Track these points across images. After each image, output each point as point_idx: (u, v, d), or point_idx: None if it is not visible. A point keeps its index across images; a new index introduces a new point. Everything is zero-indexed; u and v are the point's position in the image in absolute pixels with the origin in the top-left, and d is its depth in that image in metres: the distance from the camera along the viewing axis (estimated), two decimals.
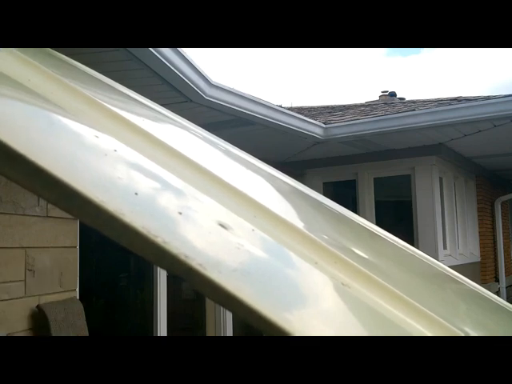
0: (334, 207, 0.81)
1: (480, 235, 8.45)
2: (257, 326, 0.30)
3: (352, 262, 0.49)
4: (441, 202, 6.87)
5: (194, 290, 0.31)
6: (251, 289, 0.32)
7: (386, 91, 9.65)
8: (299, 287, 0.40)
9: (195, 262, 0.30)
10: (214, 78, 4.16)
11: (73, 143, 0.33)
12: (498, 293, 8.37)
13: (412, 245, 0.82)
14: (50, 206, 3.32)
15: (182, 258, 0.30)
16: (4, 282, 2.93)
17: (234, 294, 0.30)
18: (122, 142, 0.42)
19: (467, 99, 5.93)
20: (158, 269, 4.83)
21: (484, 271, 8.39)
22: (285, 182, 0.77)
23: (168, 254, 0.30)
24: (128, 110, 0.53)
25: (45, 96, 0.49)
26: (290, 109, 6.70)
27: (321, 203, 0.79)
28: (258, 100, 4.87)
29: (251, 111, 4.79)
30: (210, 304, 5.57)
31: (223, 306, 0.31)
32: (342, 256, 0.49)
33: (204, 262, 0.30)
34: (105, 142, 0.39)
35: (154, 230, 0.30)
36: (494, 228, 8.92)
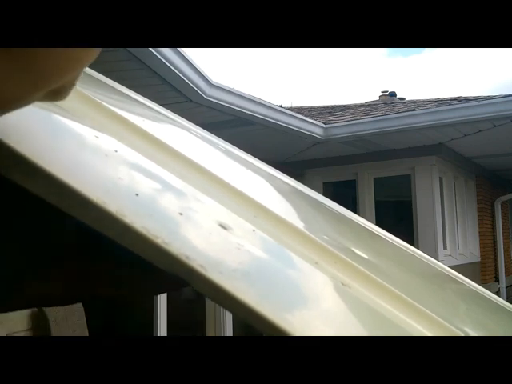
0: (334, 207, 0.81)
1: (480, 235, 8.44)
2: (257, 326, 0.30)
3: (352, 262, 0.49)
4: (441, 202, 6.87)
5: (195, 290, 0.31)
6: (251, 289, 0.32)
7: (386, 91, 9.65)
8: (299, 287, 0.40)
9: (196, 263, 0.30)
10: (214, 78, 4.16)
11: (73, 144, 0.33)
12: (498, 293, 8.36)
13: (412, 245, 0.82)
14: None
15: (183, 258, 0.30)
16: None
17: (235, 294, 0.30)
18: (123, 142, 0.42)
19: (467, 99, 5.93)
20: None
21: (484, 271, 8.38)
22: (285, 182, 0.77)
23: (168, 254, 0.30)
24: (128, 110, 0.53)
25: None
26: (290, 109, 6.70)
27: (321, 203, 0.79)
28: (258, 100, 4.87)
29: (251, 111, 4.79)
30: (210, 304, 5.57)
31: (224, 307, 0.31)
32: (342, 256, 0.49)
33: (205, 263, 0.30)
34: (105, 142, 0.39)
35: (155, 231, 0.30)
36: (494, 228, 8.91)
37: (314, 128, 5.80)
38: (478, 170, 8.18)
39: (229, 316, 5.59)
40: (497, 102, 5.42)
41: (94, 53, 0.26)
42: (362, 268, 0.49)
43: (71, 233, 0.53)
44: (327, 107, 8.62)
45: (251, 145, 4.60)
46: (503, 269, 8.70)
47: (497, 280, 8.68)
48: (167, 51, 3.37)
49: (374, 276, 0.49)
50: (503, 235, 8.97)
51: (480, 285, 0.83)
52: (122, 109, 0.47)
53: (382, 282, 0.48)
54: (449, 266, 0.84)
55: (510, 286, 9.16)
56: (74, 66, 0.26)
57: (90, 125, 0.41)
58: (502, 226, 8.97)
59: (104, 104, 0.51)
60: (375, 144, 6.36)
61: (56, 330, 2.96)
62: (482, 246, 8.38)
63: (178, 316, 5.39)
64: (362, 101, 9.90)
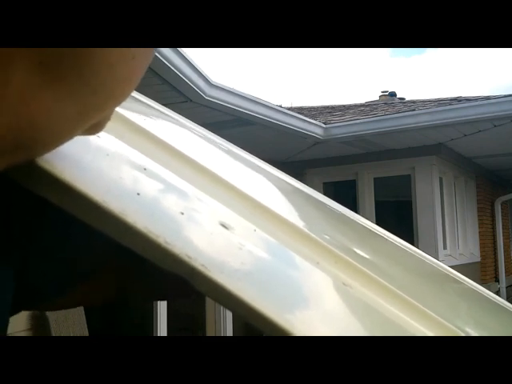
0: (335, 207, 0.81)
1: (480, 235, 8.44)
2: (258, 326, 0.30)
3: (353, 261, 0.49)
4: (441, 202, 6.87)
5: (197, 290, 0.30)
6: (253, 289, 0.32)
7: (386, 91, 9.65)
8: (301, 287, 0.40)
9: (197, 263, 0.30)
10: (214, 78, 4.17)
11: (74, 143, 0.33)
12: (498, 293, 8.37)
13: (412, 245, 0.82)
14: None
15: (185, 258, 0.30)
16: None
17: (236, 294, 0.30)
18: (124, 141, 0.42)
19: (467, 99, 5.94)
20: None
21: (484, 271, 8.38)
22: (286, 182, 0.77)
23: (170, 254, 0.30)
24: (129, 109, 0.53)
25: None
26: (290, 109, 6.70)
27: (322, 203, 0.79)
28: (258, 100, 4.87)
29: (251, 111, 4.79)
30: (210, 304, 5.57)
31: (225, 307, 0.31)
32: (344, 256, 0.49)
33: (206, 263, 0.30)
34: (106, 141, 0.39)
35: (156, 230, 0.30)
36: (493, 228, 8.91)
37: (314, 128, 5.80)
38: (478, 170, 8.18)
39: (229, 316, 5.59)
40: (497, 102, 5.42)
41: (133, 86, 0.28)
42: (363, 268, 0.49)
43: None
44: (327, 107, 8.62)
45: (251, 145, 4.60)
46: (503, 269, 8.70)
47: (497, 280, 8.68)
48: (167, 51, 3.37)
49: (375, 276, 0.49)
50: (503, 235, 8.97)
51: (480, 285, 0.83)
52: (122, 107, 0.47)
53: (383, 281, 0.48)
54: (449, 266, 0.84)
55: (510, 285, 9.16)
56: (115, 102, 0.28)
57: None
58: (502, 226, 8.97)
59: None
60: (375, 144, 6.36)
61: (56, 330, 2.96)
62: (482, 246, 8.38)
63: (178, 316, 5.39)
64: (362, 101, 9.90)
